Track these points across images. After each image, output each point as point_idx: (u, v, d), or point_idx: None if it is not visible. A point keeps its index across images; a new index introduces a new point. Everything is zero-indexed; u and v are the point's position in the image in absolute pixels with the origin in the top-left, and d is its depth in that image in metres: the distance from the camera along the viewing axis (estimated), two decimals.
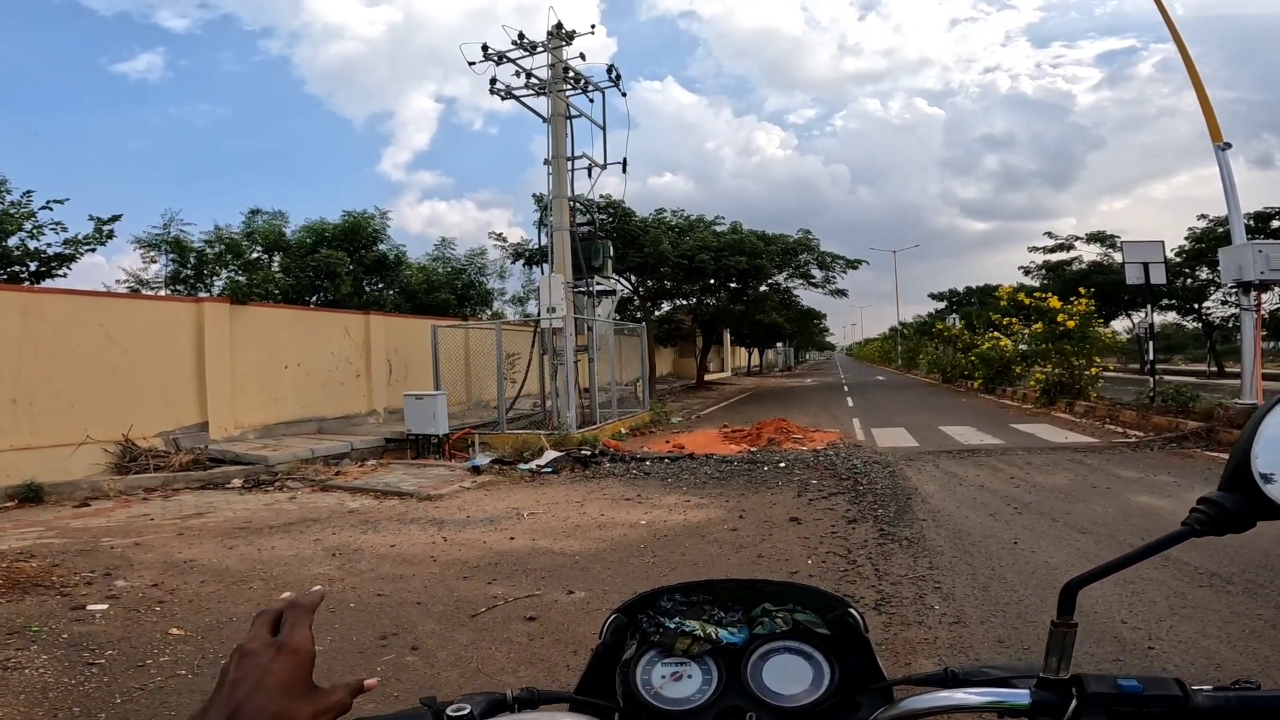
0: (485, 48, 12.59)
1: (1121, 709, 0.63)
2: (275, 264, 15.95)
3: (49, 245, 11.11)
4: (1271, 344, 34.52)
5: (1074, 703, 0.64)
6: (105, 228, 11.71)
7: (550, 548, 5.54)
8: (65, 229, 11.16)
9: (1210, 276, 24.90)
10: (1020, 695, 0.68)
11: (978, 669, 0.77)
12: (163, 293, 13.93)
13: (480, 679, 3.26)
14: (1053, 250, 30.18)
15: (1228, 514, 0.63)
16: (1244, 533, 0.63)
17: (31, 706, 3.05)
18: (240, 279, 14.41)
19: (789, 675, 0.88)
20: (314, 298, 15.46)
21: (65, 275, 11.47)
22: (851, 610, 0.92)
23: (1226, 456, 0.65)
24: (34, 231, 10.82)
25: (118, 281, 14.20)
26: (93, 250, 11.65)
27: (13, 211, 10.50)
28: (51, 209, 10.89)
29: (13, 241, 10.71)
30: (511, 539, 5.84)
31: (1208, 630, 3.52)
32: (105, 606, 4.30)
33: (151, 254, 14.23)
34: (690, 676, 0.89)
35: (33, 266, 11.07)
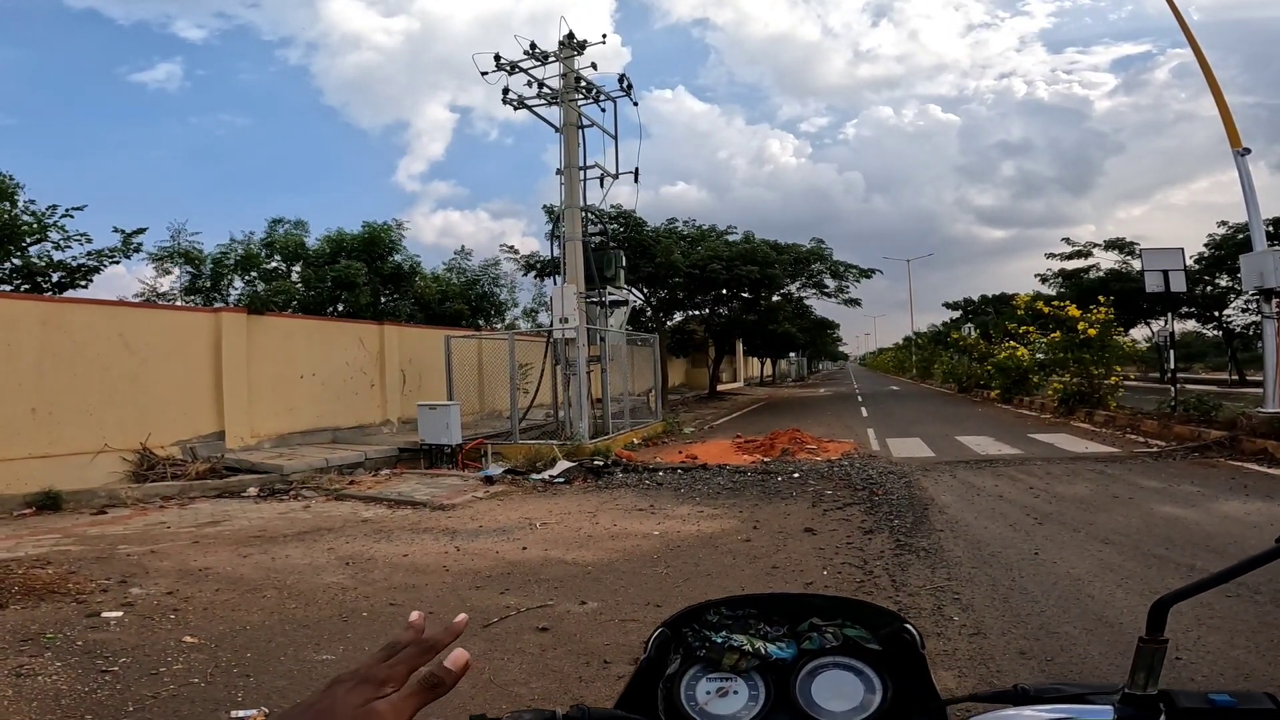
0: (498, 58, 12.70)
1: None
2: (295, 274, 16.10)
3: (73, 257, 11.28)
4: None
5: (1162, 718, 0.63)
6: (132, 240, 11.89)
7: (563, 558, 5.51)
8: (90, 240, 11.33)
9: (1230, 284, 24.59)
10: (1103, 712, 0.66)
11: (1050, 686, 0.74)
12: (178, 303, 14.08)
13: (493, 690, 3.23)
14: (1070, 257, 29.86)
15: None
16: None
17: (44, 713, 3.06)
18: (258, 288, 14.55)
19: (838, 692, 0.85)
20: (333, 308, 15.57)
21: (88, 286, 11.64)
22: (908, 626, 0.89)
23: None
24: (60, 243, 10.99)
25: (136, 294, 14.33)
26: (116, 262, 11.83)
27: (33, 222, 10.65)
28: (72, 216, 11.04)
29: (35, 251, 10.87)
30: (524, 549, 5.81)
31: (1236, 640, 3.43)
32: (120, 614, 4.31)
33: (165, 265, 14.40)
34: (736, 692, 0.87)
35: (55, 277, 11.23)
